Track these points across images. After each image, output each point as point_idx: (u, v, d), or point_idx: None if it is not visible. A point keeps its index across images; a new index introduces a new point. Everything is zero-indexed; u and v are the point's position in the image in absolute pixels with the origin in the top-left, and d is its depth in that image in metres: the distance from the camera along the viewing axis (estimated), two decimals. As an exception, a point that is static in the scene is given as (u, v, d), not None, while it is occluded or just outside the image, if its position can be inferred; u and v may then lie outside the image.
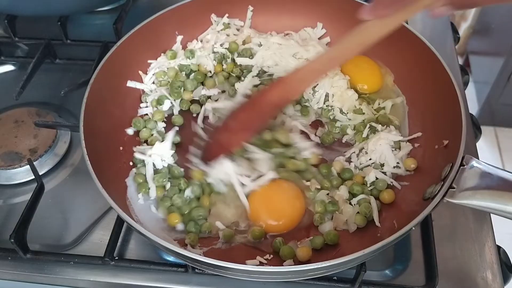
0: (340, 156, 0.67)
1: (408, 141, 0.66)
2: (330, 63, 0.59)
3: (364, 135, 0.67)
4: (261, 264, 0.57)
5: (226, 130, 0.64)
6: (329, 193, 0.63)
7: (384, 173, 0.64)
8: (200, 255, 0.49)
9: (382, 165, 0.64)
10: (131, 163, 0.66)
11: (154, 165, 0.64)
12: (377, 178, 0.63)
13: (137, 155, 0.64)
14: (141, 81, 0.73)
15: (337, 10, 0.76)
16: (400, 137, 0.66)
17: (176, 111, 0.72)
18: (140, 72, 0.73)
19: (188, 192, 0.62)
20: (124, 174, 0.64)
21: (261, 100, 0.63)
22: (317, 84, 0.70)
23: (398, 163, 0.64)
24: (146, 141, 0.68)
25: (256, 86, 0.72)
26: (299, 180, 0.63)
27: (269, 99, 0.62)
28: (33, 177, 0.66)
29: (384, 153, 0.64)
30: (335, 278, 0.58)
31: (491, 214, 0.58)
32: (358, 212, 0.60)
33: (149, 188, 0.62)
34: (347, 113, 0.69)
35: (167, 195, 0.62)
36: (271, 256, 0.58)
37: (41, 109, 0.76)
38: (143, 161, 0.64)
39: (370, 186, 0.63)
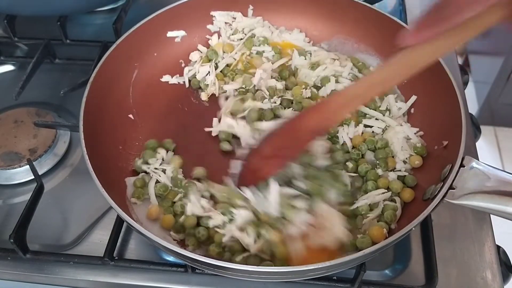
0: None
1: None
2: (373, 88, 0.53)
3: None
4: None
5: (259, 156, 0.59)
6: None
7: (399, 170, 0.64)
8: (200, 255, 0.49)
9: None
10: (131, 163, 0.66)
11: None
12: (399, 177, 0.63)
13: (142, 166, 0.64)
14: (140, 79, 0.73)
15: (338, 10, 0.76)
16: (414, 129, 0.66)
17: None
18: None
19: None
20: (124, 174, 0.64)
21: (297, 126, 0.57)
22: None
23: (406, 158, 0.64)
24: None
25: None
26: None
27: (305, 125, 0.56)
28: (33, 177, 0.66)
29: (403, 145, 0.65)
30: (335, 278, 0.58)
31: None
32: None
33: (144, 197, 0.62)
34: None
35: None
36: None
37: (40, 109, 0.76)
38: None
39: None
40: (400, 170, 0.63)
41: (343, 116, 0.60)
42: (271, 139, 0.58)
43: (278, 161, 0.58)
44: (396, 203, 0.60)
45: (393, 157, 0.65)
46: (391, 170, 0.64)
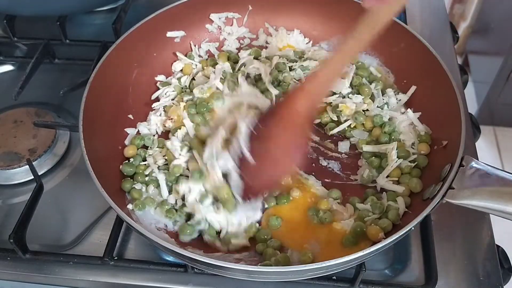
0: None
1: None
2: (346, 58, 0.56)
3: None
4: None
5: (268, 161, 0.56)
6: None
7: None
8: (200, 255, 0.49)
9: None
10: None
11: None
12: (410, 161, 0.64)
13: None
14: (139, 79, 0.73)
15: (337, 10, 0.76)
16: (417, 113, 0.67)
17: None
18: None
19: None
20: (123, 174, 0.64)
21: (292, 116, 0.55)
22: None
23: (413, 143, 0.65)
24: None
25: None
26: None
27: (299, 112, 0.55)
28: (32, 177, 0.66)
29: (411, 131, 0.66)
30: (335, 277, 0.58)
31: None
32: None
33: (144, 208, 0.61)
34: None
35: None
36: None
37: (40, 109, 0.76)
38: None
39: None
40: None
41: (325, 92, 0.62)
42: (274, 141, 0.56)
43: (291, 158, 0.57)
44: (397, 203, 0.60)
45: (400, 141, 0.66)
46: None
